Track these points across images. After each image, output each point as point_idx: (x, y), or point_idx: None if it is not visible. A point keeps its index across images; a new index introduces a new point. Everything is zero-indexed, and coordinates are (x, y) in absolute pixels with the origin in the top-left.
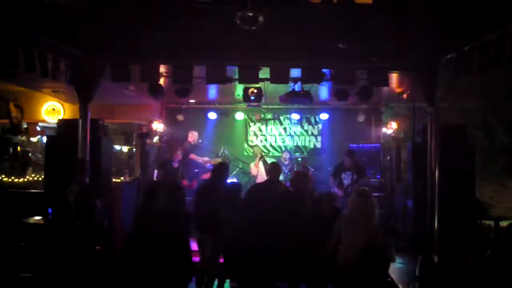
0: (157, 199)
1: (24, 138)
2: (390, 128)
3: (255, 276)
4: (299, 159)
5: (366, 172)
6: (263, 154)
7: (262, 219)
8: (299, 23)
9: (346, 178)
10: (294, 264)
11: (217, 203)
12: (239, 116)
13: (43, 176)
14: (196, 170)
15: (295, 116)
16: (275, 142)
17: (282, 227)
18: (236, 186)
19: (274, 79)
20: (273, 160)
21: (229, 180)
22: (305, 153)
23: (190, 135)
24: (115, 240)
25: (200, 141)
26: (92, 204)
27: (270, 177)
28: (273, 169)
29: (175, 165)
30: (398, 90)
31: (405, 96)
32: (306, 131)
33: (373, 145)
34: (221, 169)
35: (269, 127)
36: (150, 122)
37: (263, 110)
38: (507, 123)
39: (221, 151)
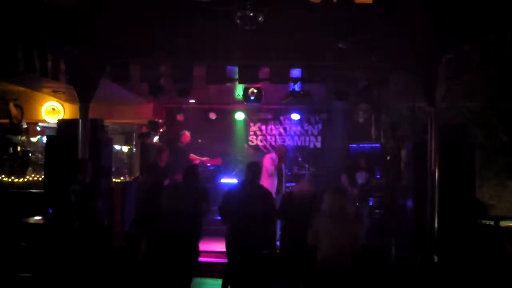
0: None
1: (24, 138)
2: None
3: (252, 278)
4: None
5: (377, 174)
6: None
7: (244, 221)
8: (299, 23)
9: (360, 178)
10: (286, 262)
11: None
12: (239, 116)
13: (43, 176)
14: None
15: (295, 116)
16: (275, 142)
17: (262, 227)
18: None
19: (274, 79)
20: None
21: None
22: (305, 153)
23: (183, 135)
24: (115, 240)
25: (200, 141)
26: (93, 204)
27: (247, 178)
28: (250, 169)
29: (162, 165)
30: None
31: None
32: (306, 131)
33: (373, 145)
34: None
35: (269, 127)
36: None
37: (263, 110)
38: (507, 123)
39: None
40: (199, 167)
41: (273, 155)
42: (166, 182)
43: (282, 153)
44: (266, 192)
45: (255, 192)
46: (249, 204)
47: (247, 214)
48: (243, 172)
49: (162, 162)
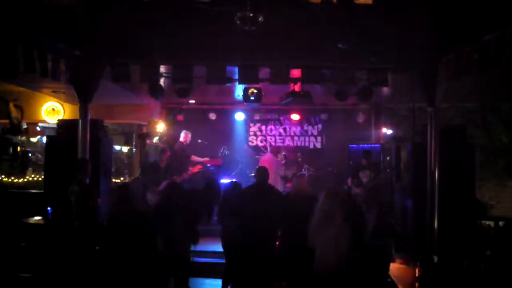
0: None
1: (24, 138)
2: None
3: (252, 278)
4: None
5: (381, 170)
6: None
7: (252, 222)
8: (299, 23)
9: (364, 176)
10: (287, 263)
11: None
12: (239, 116)
13: (43, 176)
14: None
15: (295, 116)
16: (275, 142)
17: (272, 228)
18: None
19: (274, 79)
20: None
21: (226, 180)
22: (305, 154)
23: (183, 135)
24: None
25: (200, 141)
26: (92, 205)
27: (257, 180)
28: (259, 173)
29: (162, 165)
30: None
31: None
32: (306, 131)
33: (373, 145)
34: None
35: (269, 127)
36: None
37: (263, 110)
38: (507, 123)
39: (221, 151)
40: (216, 180)
41: (278, 157)
42: (165, 183)
43: (277, 151)
44: (278, 193)
45: (268, 193)
46: (262, 204)
47: (260, 214)
48: (254, 174)
49: (163, 162)
